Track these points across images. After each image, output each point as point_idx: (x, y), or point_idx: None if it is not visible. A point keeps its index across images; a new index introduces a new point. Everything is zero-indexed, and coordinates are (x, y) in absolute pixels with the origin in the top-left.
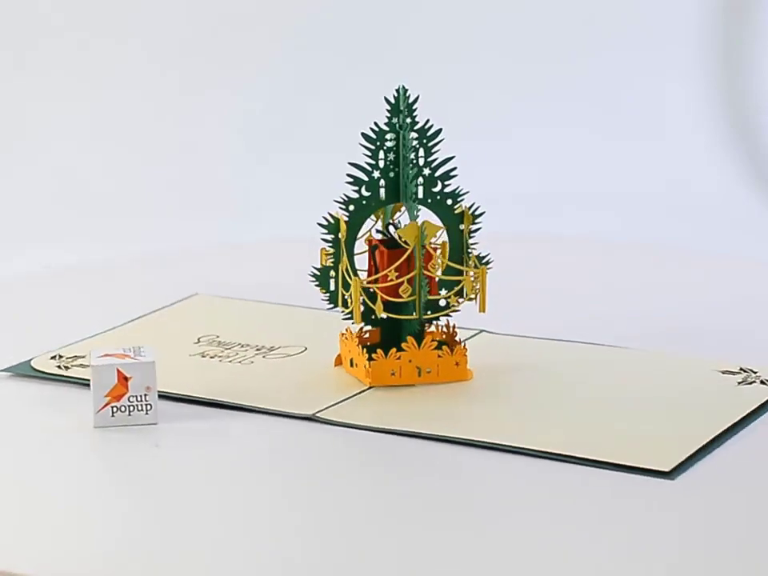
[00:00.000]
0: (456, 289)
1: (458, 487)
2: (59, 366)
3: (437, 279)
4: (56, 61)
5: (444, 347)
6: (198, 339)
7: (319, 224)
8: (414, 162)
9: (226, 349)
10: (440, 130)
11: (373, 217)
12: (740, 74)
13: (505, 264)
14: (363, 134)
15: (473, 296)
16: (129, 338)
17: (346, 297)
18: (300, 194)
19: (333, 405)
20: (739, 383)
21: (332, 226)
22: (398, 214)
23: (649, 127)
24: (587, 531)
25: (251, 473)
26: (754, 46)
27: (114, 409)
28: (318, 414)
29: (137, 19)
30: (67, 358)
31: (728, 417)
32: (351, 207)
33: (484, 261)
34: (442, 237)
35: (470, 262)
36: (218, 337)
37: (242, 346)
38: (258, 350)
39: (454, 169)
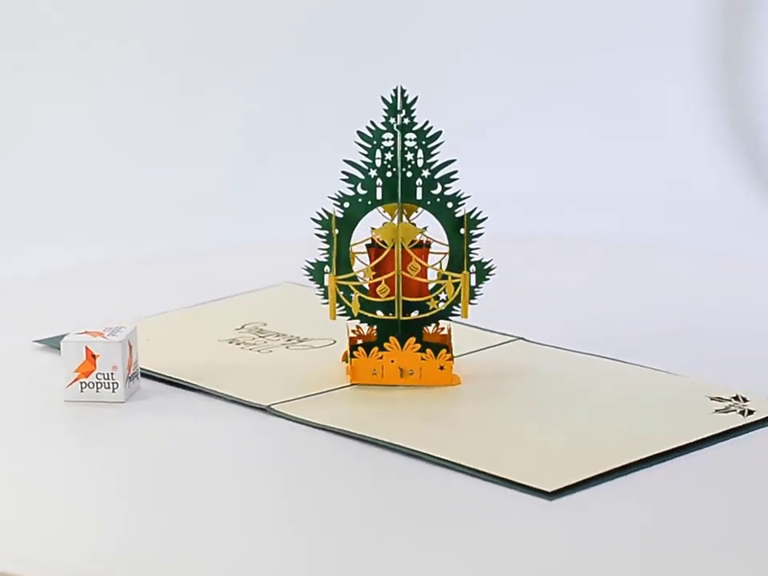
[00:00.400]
0: (437, 292)
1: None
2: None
3: (429, 282)
4: (56, 61)
5: (428, 350)
6: (243, 326)
7: (312, 219)
8: (413, 163)
9: (260, 337)
10: (440, 132)
11: (387, 215)
12: (740, 73)
13: (505, 264)
14: (359, 132)
15: (443, 300)
16: (184, 319)
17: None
18: (300, 194)
19: (295, 399)
20: (717, 411)
21: (325, 222)
22: (414, 214)
23: (649, 127)
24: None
25: (192, 457)
26: (754, 46)
27: (83, 385)
28: (272, 406)
29: (137, 19)
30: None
31: (660, 444)
32: (346, 204)
33: (486, 267)
34: (442, 240)
35: (471, 267)
36: (264, 325)
37: (277, 336)
38: (288, 339)
39: (455, 172)
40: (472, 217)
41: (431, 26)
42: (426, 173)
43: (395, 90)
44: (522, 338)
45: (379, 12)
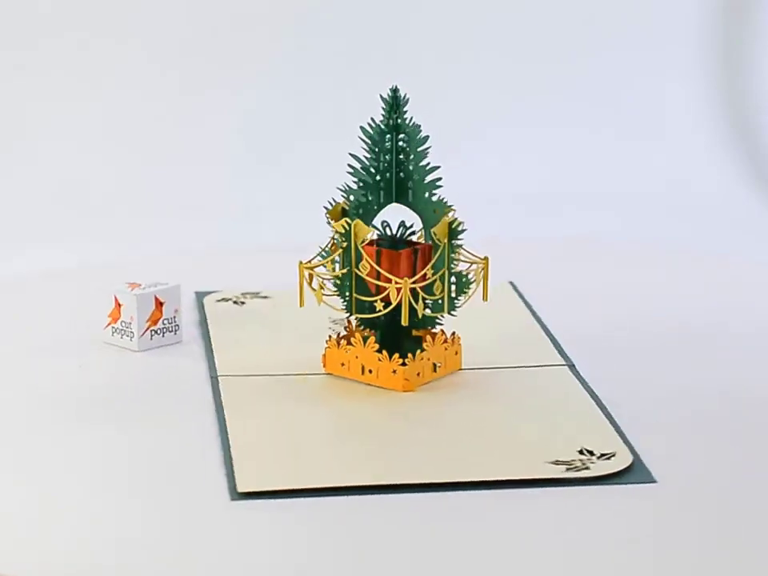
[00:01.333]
0: (382, 295)
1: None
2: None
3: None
4: (56, 61)
5: (383, 352)
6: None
7: (337, 232)
8: (405, 164)
9: (334, 325)
10: (427, 137)
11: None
12: (740, 74)
13: (505, 264)
14: (362, 128)
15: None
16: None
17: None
18: (300, 194)
19: (254, 375)
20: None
21: (347, 233)
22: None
23: (649, 127)
24: None
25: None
26: (754, 45)
27: (113, 329)
28: (219, 376)
29: (137, 19)
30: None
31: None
32: (351, 197)
33: (465, 280)
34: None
35: (451, 278)
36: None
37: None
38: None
39: (440, 179)
40: (453, 226)
41: (431, 25)
42: (415, 176)
43: (392, 90)
44: (573, 366)
45: (379, 12)
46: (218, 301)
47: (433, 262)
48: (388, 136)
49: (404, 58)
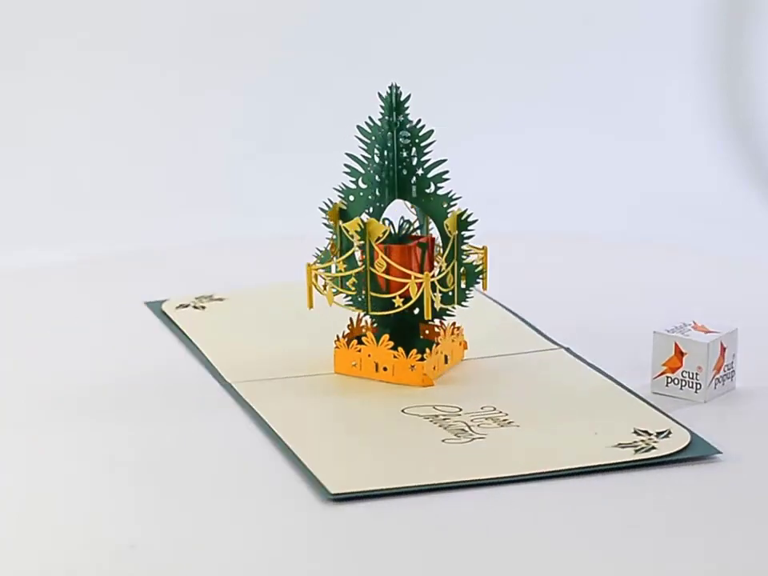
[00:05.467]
0: (401, 291)
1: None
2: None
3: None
4: (56, 61)
5: (399, 348)
6: None
7: (320, 208)
8: (407, 160)
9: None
10: (432, 131)
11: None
12: (740, 74)
13: (504, 264)
14: (359, 127)
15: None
16: None
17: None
18: (299, 193)
19: (260, 379)
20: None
21: (363, 232)
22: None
23: (649, 127)
24: None
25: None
26: (754, 45)
27: (669, 379)
28: (234, 383)
29: (137, 19)
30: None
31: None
32: (351, 197)
33: (477, 270)
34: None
35: (461, 270)
36: None
37: None
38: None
39: (446, 172)
40: (463, 218)
41: (431, 25)
42: (419, 171)
43: (390, 88)
44: (568, 348)
45: (379, 12)
46: (177, 308)
47: (445, 254)
48: (389, 134)
49: (404, 58)
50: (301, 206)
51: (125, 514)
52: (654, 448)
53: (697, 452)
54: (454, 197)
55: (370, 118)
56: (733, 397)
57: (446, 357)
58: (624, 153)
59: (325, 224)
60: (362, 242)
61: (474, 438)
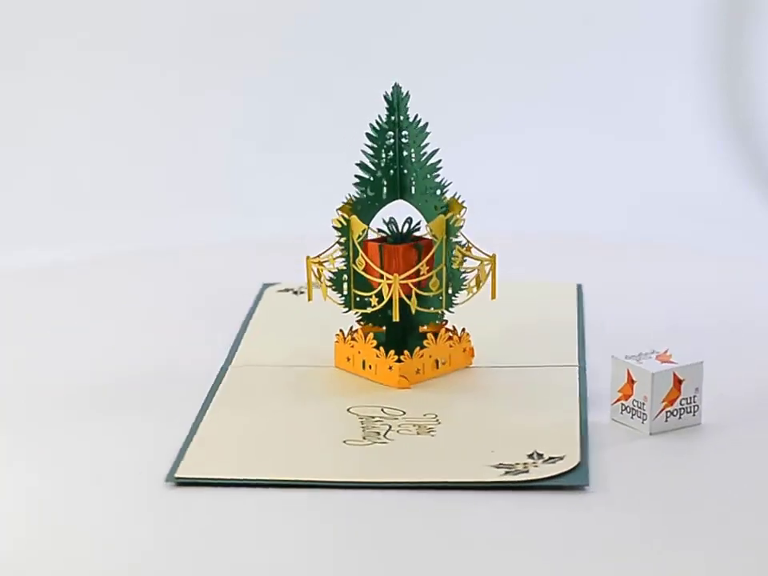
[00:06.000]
0: (376, 290)
1: None
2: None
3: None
4: (56, 61)
5: (381, 348)
6: None
7: (334, 227)
8: (408, 159)
9: None
10: (426, 123)
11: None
12: (740, 74)
13: (504, 264)
14: (367, 134)
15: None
16: None
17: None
18: (300, 193)
19: (261, 365)
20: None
21: (345, 229)
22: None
23: (649, 127)
24: None
25: None
26: (754, 45)
27: (623, 407)
28: (228, 366)
29: (137, 19)
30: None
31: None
32: (359, 207)
33: (461, 277)
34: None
35: (436, 271)
36: None
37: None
38: None
39: (440, 161)
40: (451, 223)
41: (431, 25)
42: (418, 168)
43: (393, 88)
44: (583, 367)
45: (379, 12)
46: (280, 291)
47: (427, 258)
48: (390, 133)
49: (404, 58)
50: (301, 206)
51: (125, 513)
52: (526, 472)
53: (564, 482)
54: (446, 184)
55: (377, 120)
56: (687, 433)
57: (437, 361)
58: (624, 153)
59: (339, 243)
60: (345, 239)
61: (375, 443)
